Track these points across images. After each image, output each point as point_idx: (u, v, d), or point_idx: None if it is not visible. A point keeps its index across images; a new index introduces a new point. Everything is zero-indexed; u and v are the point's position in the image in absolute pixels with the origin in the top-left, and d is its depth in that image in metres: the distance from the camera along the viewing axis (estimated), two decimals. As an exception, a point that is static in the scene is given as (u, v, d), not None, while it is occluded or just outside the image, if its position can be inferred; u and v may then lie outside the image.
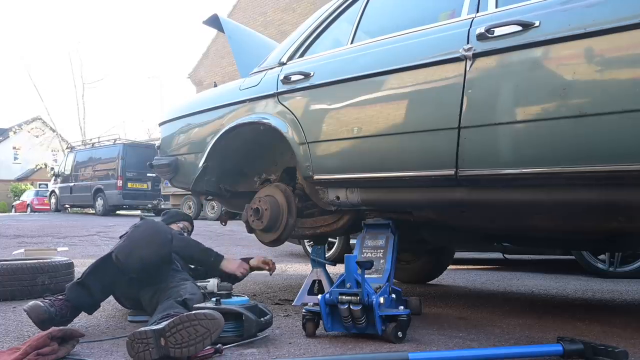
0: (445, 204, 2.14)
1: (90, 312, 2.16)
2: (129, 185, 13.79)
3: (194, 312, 1.67)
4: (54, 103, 56.26)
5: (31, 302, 1.97)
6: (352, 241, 4.67)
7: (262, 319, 1.93)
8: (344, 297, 1.90)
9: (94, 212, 14.94)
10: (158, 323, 1.69)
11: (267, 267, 2.72)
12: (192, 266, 2.69)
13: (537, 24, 1.78)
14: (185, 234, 2.82)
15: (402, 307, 1.97)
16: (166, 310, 1.87)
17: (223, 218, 3.31)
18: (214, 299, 1.91)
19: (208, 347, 1.69)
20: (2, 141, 34.30)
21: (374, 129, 2.20)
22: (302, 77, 2.53)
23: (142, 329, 1.64)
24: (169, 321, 1.64)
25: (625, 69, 1.62)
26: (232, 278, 2.62)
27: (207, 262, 2.58)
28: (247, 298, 2.02)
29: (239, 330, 1.87)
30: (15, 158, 35.05)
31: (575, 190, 1.78)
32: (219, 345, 1.73)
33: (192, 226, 2.98)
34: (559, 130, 1.71)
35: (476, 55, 1.90)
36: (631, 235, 2.22)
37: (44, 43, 58.82)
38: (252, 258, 2.74)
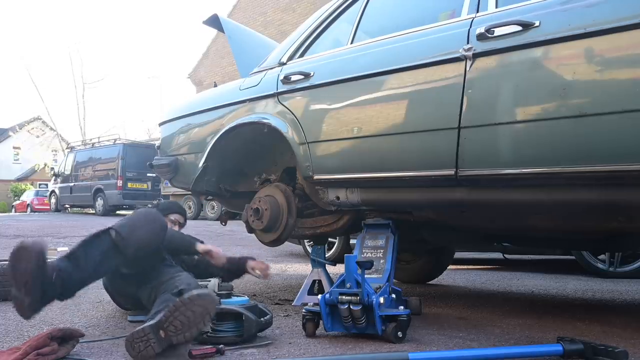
0: (445, 204, 2.14)
1: (75, 290, 1.90)
2: (129, 185, 13.79)
3: (185, 295, 1.66)
4: (54, 103, 56.10)
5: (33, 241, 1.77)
6: (352, 241, 4.67)
7: (262, 319, 1.93)
8: (344, 297, 1.90)
9: (94, 212, 14.94)
10: (152, 318, 1.68)
11: (257, 273, 2.55)
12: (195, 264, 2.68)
13: (537, 24, 1.78)
14: (176, 227, 2.73)
15: (402, 307, 1.97)
16: (160, 305, 1.86)
17: (223, 218, 3.31)
18: None
19: (210, 347, 1.68)
20: (2, 141, 34.30)
21: (374, 129, 2.20)
22: (302, 77, 2.53)
23: (139, 327, 1.63)
24: (163, 312, 1.63)
25: (625, 69, 1.62)
26: (232, 274, 2.58)
27: (186, 248, 2.45)
28: (247, 298, 2.02)
29: (239, 330, 1.88)
30: (15, 158, 35.06)
31: (575, 190, 1.78)
32: (221, 345, 1.72)
33: (185, 220, 2.85)
34: (559, 130, 1.71)
35: (476, 55, 1.90)
36: (631, 235, 2.22)
37: (44, 43, 58.91)
38: (253, 259, 2.65)
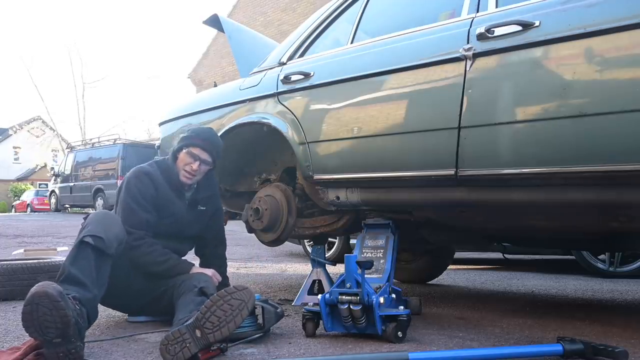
0: (445, 204, 2.14)
1: (96, 309, 1.82)
2: (129, 185, 13.76)
3: (222, 290, 1.64)
4: (54, 103, 56.21)
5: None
6: (352, 241, 4.67)
7: (277, 309, 1.97)
8: (344, 297, 1.90)
9: (94, 212, 14.93)
10: (187, 320, 1.65)
11: None
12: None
13: (537, 24, 1.78)
14: (195, 166, 2.28)
15: (402, 307, 1.97)
16: (188, 306, 1.84)
17: (223, 218, 3.31)
18: None
19: (214, 349, 1.67)
20: (2, 141, 34.32)
21: (374, 129, 2.20)
22: (302, 77, 2.53)
23: (174, 329, 1.59)
24: (199, 310, 1.60)
25: (625, 69, 1.62)
26: None
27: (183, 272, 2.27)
28: (258, 294, 2.04)
29: (254, 325, 1.91)
30: (15, 158, 35.07)
31: (575, 190, 1.78)
32: (224, 344, 1.72)
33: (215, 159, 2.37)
34: (559, 130, 1.71)
35: (476, 55, 1.90)
36: (631, 235, 2.22)
37: (44, 43, 58.89)
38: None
